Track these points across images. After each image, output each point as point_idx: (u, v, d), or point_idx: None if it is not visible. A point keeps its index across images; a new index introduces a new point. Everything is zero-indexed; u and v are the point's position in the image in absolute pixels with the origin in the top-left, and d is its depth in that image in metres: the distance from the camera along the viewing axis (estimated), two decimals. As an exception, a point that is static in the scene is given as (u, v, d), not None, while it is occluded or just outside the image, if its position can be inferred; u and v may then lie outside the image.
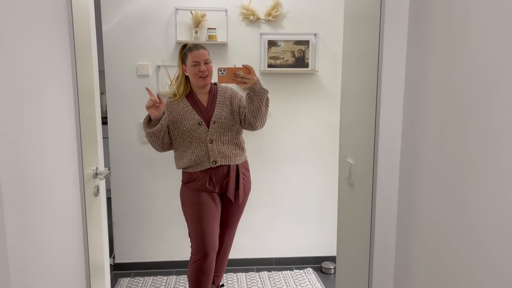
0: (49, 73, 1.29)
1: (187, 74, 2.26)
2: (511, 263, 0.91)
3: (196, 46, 2.23)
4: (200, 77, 2.22)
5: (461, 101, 1.08)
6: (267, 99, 2.22)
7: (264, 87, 2.19)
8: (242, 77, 2.13)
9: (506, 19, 0.92)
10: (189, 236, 2.35)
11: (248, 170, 2.44)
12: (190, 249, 2.34)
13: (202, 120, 2.24)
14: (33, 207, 1.18)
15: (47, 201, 1.27)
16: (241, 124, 2.32)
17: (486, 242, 0.99)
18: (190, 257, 2.33)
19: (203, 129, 2.24)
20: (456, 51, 1.11)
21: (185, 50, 2.25)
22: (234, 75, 2.13)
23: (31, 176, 1.17)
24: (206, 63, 2.23)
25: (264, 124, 2.29)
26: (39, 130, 1.22)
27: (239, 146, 2.36)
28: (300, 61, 3.03)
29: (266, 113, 2.26)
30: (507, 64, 0.92)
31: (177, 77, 2.34)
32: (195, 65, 2.21)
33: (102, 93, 3.04)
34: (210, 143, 2.25)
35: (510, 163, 0.91)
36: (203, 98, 2.31)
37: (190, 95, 2.30)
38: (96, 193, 1.81)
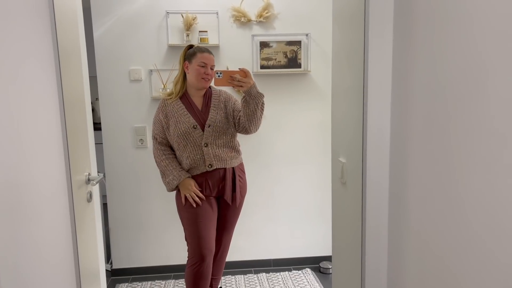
0: (34, 79, 1.29)
1: (187, 72, 2.27)
2: (502, 256, 0.91)
3: (208, 50, 2.27)
4: (202, 78, 2.23)
5: (447, 97, 1.08)
6: (263, 103, 2.23)
7: (260, 90, 2.19)
8: (238, 81, 2.13)
9: (490, 14, 0.92)
10: (186, 240, 2.35)
11: (244, 172, 2.44)
12: (187, 253, 2.34)
13: (197, 123, 2.24)
14: (22, 214, 1.18)
15: (36, 209, 1.26)
16: (235, 127, 2.33)
17: (478, 237, 0.99)
18: (187, 260, 2.33)
19: (198, 133, 2.24)
20: (440, 47, 1.11)
21: (194, 49, 2.26)
22: (230, 78, 2.13)
23: (19, 183, 1.16)
24: (212, 69, 2.25)
25: (258, 128, 2.29)
26: (26, 138, 1.22)
27: (235, 149, 2.36)
28: (293, 62, 3.03)
29: (261, 117, 2.27)
30: (492, 59, 0.92)
31: (176, 75, 2.35)
32: (202, 66, 2.22)
33: (97, 99, 3.04)
34: (205, 146, 2.25)
35: (497, 156, 0.91)
36: (198, 101, 2.31)
37: (184, 97, 2.30)
38: (89, 199, 1.81)
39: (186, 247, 2.35)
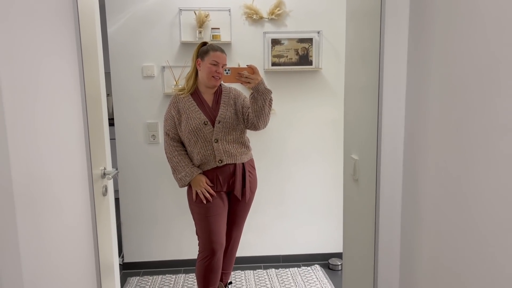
0: (57, 76, 1.32)
1: (199, 68, 2.30)
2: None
3: (221, 49, 2.30)
4: (213, 76, 2.26)
5: (463, 96, 1.09)
6: (271, 99, 2.25)
7: (268, 86, 2.21)
8: (246, 77, 2.15)
9: (507, 9, 0.93)
10: (196, 234, 2.38)
11: (254, 168, 2.46)
12: (198, 247, 2.37)
13: (207, 119, 2.27)
14: (44, 207, 1.21)
15: (58, 201, 1.30)
16: (244, 124, 2.35)
17: (492, 235, 1.00)
18: (198, 255, 2.36)
19: (209, 129, 2.27)
20: (457, 45, 1.12)
21: (207, 47, 2.29)
22: (238, 75, 2.16)
23: (41, 177, 1.20)
24: (223, 67, 2.27)
25: (266, 124, 2.31)
26: (49, 132, 1.25)
27: (244, 145, 2.38)
28: (304, 59, 3.04)
29: (269, 114, 2.29)
30: (508, 56, 0.93)
31: (189, 71, 2.38)
32: (214, 65, 2.25)
33: (108, 94, 3.08)
34: (216, 142, 2.28)
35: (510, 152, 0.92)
36: (209, 98, 2.34)
37: (195, 94, 2.33)
38: (105, 192, 1.84)
39: (197, 242, 2.39)
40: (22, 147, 1.09)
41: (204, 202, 2.28)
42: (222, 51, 2.28)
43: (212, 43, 2.33)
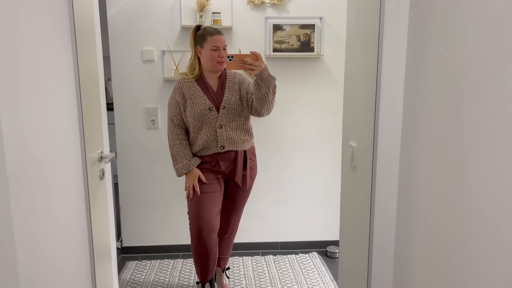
0: (51, 57, 1.30)
1: (201, 56, 2.27)
2: None
3: (217, 31, 2.25)
4: (217, 62, 2.23)
5: (462, 83, 1.07)
6: (274, 86, 2.23)
7: (271, 73, 2.19)
8: (250, 64, 2.13)
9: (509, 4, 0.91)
10: (187, 214, 2.37)
11: (255, 156, 2.46)
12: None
13: (212, 105, 2.26)
14: (38, 189, 1.20)
15: (52, 184, 1.29)
16: (248, 110, 2.34)
17: (487, 222, 0.99)
18: (191, 240, 2.36)
19: (213, 114, 2.26)
20: (457, 32, 1.10)
21: (204, 32, 2.24)
22: (242, 61, 2.14)
23: (35, 159, 1.19)
24: (224, 49, 2.24)
25: (270, 111, 2.29)
26: (43, 114, 1.24)
27: (248, 132, 2.37)
28: (306, 45, 3.01)
29: (273, 100, 2.27)
30: (508, 49, 0.91)
31: (190, 58, 2.34)
32: (215, 50, 2.22)
33: (109, 79, 3.06)
34: (220, 128, 2.27)
35: (508, 142, 0.90)
36: (213, 83, 2.32)
37: (200, 79, 2.31)
38: (102, 176, 1.84)
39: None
40: (15, 129, 1.08)
41: (189, 198, 2.31)
42: (219, 32, 2.24)
43: (206, 26, 2.28)
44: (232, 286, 2.74)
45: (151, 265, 3.06)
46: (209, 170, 2.33)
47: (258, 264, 3.05)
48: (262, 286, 2.75)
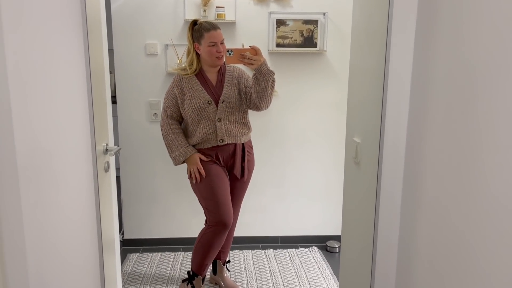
0: (62, 51, 1.31)
1: (199, 52, 2.27)
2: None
3: (213, 26, 2.24)
4: (216, 57, 2.24)
5: (470, 80, 1.09)
6: (273, 80, 2.24)
7: (272, 67, 2.20)
8: (249, 58, 2.14)
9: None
10: (205, 209, 2.38)
11: (252, 148, 2.50)
12: (205, 224, 2.41)
13: (211, 99, 2.27)
14: (47, 181, 1.22)
15: (61, 175, 1.31)
16: (246, 104, 2.35)
17: (492, 219, 1.01)
18: (206, 229, 2.38)
19: (212, 108, 2.27)
20: (465, 29, 1.11)
21: (200, 28, 2.24)
22: (241, 56, 2.15)
23: (45, 150, 1.20)
24: (222, 43, 2.24)
25: (268, 105, 2.31)
26: (53, 108, 1.25)
27: (246, 125, 2.40)
28: (309, 41, 3.02)
29: (272, 95, 2.29)
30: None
31: (188, 53, 2.34)
32: (212, 45, 2.22)
33: (111, 72, 3.06)
34: (219, 121, 2.28)
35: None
36: (212, 77, 2.34)
37: (199, 73, 2.33)
38: (107, 169, 1.85)
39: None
40: (26, 120, 1.09)
41: (196, 181, 2.31)
42: (215, 27, 2.23)
43: (202, 22, 2.27)
44: (233, 279, 2.76)
45: (152, 257, 3.08)
46: (213, 163, 2.35)
47: (258, 258, 3.08)
48: (262, 279, 2.78)
